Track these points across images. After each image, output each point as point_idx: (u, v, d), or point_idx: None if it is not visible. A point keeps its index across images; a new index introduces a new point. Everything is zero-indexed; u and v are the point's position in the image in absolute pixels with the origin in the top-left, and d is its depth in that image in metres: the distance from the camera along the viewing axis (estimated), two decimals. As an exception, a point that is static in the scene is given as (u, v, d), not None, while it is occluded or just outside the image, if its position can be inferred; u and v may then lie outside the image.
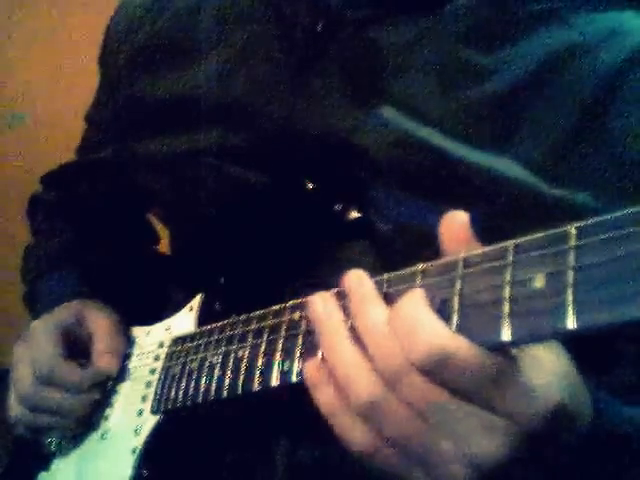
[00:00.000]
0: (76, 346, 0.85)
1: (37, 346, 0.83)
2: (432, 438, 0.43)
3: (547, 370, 0.43)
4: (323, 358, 0.48)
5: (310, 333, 0.56)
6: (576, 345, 0.53)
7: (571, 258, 0.37)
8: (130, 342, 0.87)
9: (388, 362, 0.43)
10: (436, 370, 0.41)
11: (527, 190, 0.62)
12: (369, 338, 0.45)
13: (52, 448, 0.87)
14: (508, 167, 0.62)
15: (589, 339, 0.39)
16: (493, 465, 0.42)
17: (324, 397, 0.47)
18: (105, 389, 0.83)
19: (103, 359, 0.83)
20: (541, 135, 0.62)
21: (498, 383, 0.41)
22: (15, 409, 0.83)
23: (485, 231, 0.45)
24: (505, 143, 0.63)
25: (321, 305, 0.50)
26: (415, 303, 0.43)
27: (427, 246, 0.47)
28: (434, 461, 0.43)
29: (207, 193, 0.79)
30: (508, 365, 0.41)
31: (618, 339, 0.62)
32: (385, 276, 0.50)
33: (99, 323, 0.86)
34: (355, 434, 0.46)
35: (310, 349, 0.55)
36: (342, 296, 0.50)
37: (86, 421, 0.83)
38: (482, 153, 0.63)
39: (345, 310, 0.49)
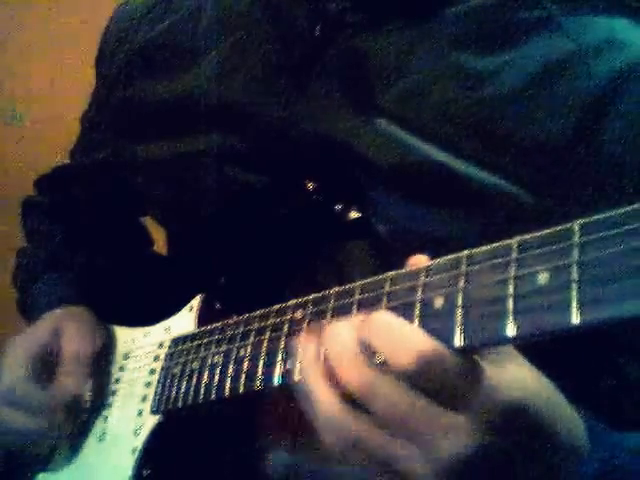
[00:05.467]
0: (53, 363, 0.84)
1: (7, 366, 0.83)
2: (398, 447, 0.44)
3: (511, 374, 0.44)
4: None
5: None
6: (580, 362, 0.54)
7: (575, 254, 0.38)
8: (129, 343, 0.87)
9: (359, 379, 0.45)
10: (419, 375, 0.43)
11: (522, 198, 0.62)
12: (337, 363, 0.46)
13: (50, 450, 0.87)
14: (503, 175, 0.63)
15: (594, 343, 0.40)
16: (458, 464, 0.43)
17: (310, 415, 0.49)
18: (83, 408, 0.83)
19: (66, 381, 0.82)
20: (536, 143, 0.62)
21: (465, 383, 0.43)
22: None
23: (483, 237, 0.45)
24: (498, 151, 0.63)
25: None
26: (387, 316, 0.46)
27: (426, 250, 0.47)
28: (403, 469, 0.44)
29: (207, 194, 0.79)
30: (473, 366, 0.43)
31: (621, 356, 0.63)
32: (390, 274, 0.50)
33: (71, 342, 0.85)
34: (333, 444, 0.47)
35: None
36: None
37: (83, 424, 0.83)
38: (476, 161, 0.63)
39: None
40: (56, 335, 0.86)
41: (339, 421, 0.46)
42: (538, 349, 0.45)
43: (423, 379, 0.43)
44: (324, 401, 0.47)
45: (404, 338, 0.44)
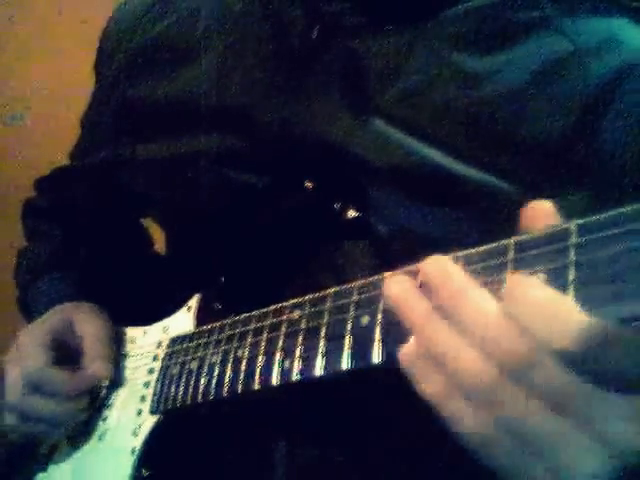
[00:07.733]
0: (67, 352, 0.85)
1: (26, 354, 0.83)
2: (566, 430, 0.38)
3: None
4: (419, 345, 0.43)
5: (310, 332, 0.56)
6: None
7: (572, 255, 0.38)
8: (127, 343, 0.87)
9: (511, 354, 0.39)
10: (585, 358, 0.37)
11: (521, 198, 0.62)
12: (480, 330, 0.40)
13: (50, 450, 0.87)
14: (502, 176, 0.63)
15: None
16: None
17: (432, 386, 0.42)
18: (99, 394, 0.83)
19: (94, 365, 0.82)
20: (535, 143, 0.62)
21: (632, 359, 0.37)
22: (7, 418, 0.83)
23: (482, 237, 0.45)
24: (496, 151, 0.63)
25: (399, 288, 0.45)
26: (541, 288, 0.39)
27: (424, 249, 0.47)
28: (564, 457, 0.39)
29: (206, 194, 0.79)
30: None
31: None
32: (388, 274, 0.50)
33: (89, 328, 0.85)
34: (469, 421, 0.41)
35: (311, 348, 0.55)
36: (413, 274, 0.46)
37: (83, 423, 0.83)
38: (474, 161, 0.63)
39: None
40: (69, 324, 0.86)
41: (494, 395, 0.40)
42: None
43: (588, 361, 0.37)
44: (470, 369, 0.41)
45: (561, 316, 0.38)
